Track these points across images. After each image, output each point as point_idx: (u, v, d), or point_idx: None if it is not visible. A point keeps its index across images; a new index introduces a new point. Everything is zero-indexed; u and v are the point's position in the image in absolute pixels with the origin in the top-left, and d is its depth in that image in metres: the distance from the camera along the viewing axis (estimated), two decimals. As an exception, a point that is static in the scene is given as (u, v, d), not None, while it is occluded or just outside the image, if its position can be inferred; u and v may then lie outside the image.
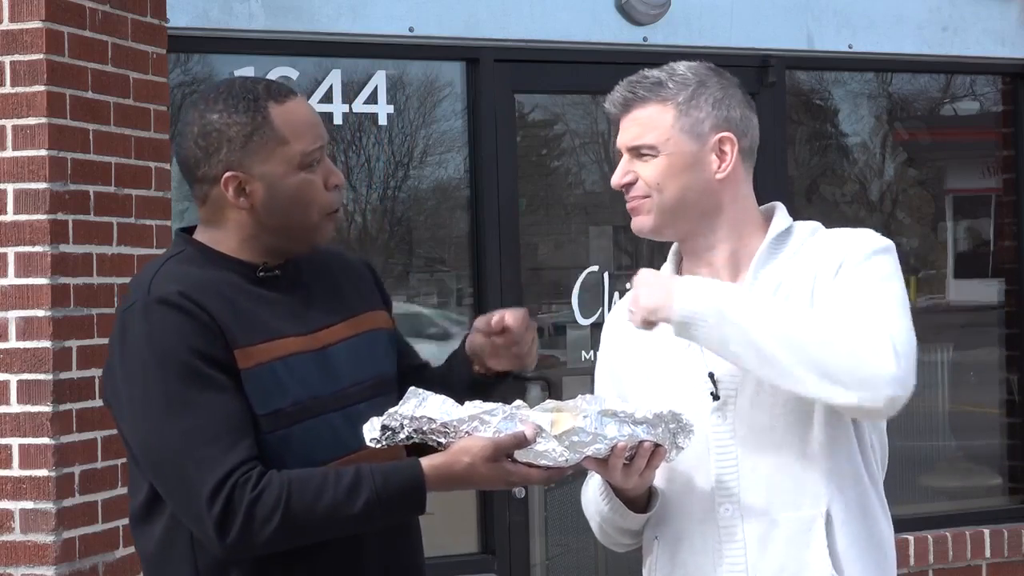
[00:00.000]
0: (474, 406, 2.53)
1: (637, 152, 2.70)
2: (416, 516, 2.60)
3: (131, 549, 4.70)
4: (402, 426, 2.50)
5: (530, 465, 2.53)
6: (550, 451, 2.51)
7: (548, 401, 2.59)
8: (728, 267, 2.71)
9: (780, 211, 2.78)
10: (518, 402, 2.57)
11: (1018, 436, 6.79)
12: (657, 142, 2.67)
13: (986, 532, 6.43)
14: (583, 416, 2.52)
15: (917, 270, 6.89)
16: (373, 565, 2.65)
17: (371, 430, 2.51)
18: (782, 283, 2.66)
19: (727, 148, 2.69)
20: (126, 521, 4.68)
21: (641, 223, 2.73)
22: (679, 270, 2.79)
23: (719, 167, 2.69)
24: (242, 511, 2.42)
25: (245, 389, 2.50)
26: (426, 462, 2.51)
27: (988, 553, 6.42)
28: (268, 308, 2.59)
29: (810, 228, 2.76)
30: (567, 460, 2.52)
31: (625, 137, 2.72)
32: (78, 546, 4.49)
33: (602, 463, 2.54)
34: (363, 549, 2.62)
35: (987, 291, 6.96)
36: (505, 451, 2.50)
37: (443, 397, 2.54)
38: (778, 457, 2.61)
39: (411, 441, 2.52)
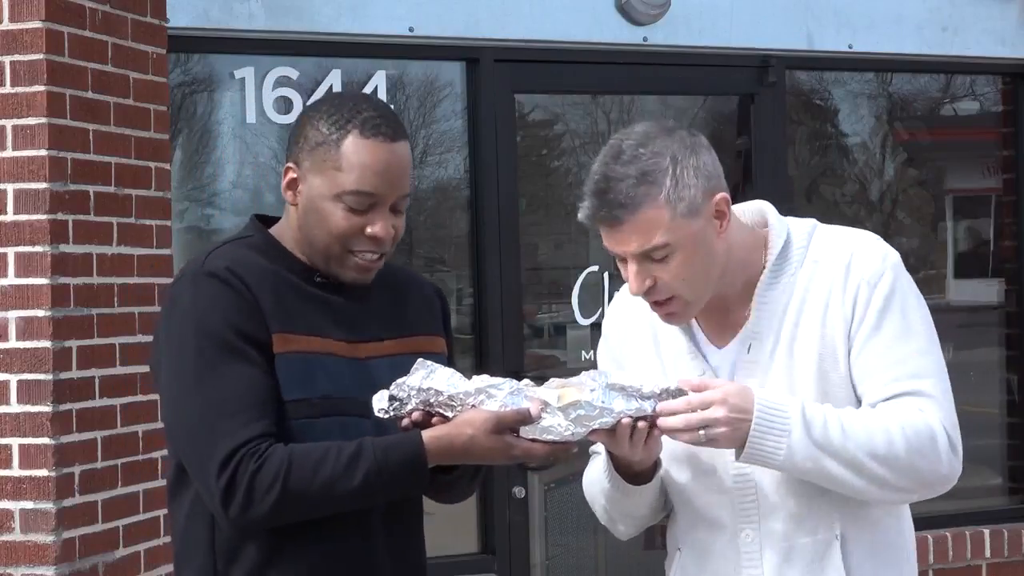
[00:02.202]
0: (481, 380, 2.55)
1: (648, 257, 2.56)
2: (419, 491, 2.62)
3: (131, 549, 4.71)
4: (409, 396, 2.53)
5: (534, 440, 2.53)
6: (555, 426, 2.51)
7: (553, 380, 2.58)
8: (741, 298, 2.68)
9: (773, 220, 2.72)
10: (526, 380, 2.58)
11: (1018, 436, 6.79)
12: (669, 240, 2.53)
13: (986, 532, 6.43)
14: (589, 390, 2.51)
15: (917, 270, 6.88)
16: (381, 555, 2.66)
17: (379, 400, 2.54)
18: (788, 304, 2.65)
19: (723, 207, 2.59)
20: (126, 521, 4.70)
21: (677, 319, 2.65)
22: None
23: (721, 227, 2.60)
24: (244, 482, 2.47)
25: (277, 372, 2.55)
26: (427, 434, 2.53)
27: (988, 553, 6.42)
28: (318, 308, 2.64)
29: (806, 231, 2.71)
30: (573, 434, 2.51)
31: (629, 248, 2.55)
32: (78, 546, 4.49)
33: (609, 434, 2.52)
34: (372, 539, 2.64)
35: (987, 291, 6.96)
36: (508, 425, 2.51)
37: (451, 370, 2.56)
38: (795, 484, 2.62)
39: (418, 412, 2.53)
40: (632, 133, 2.59)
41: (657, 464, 2.69)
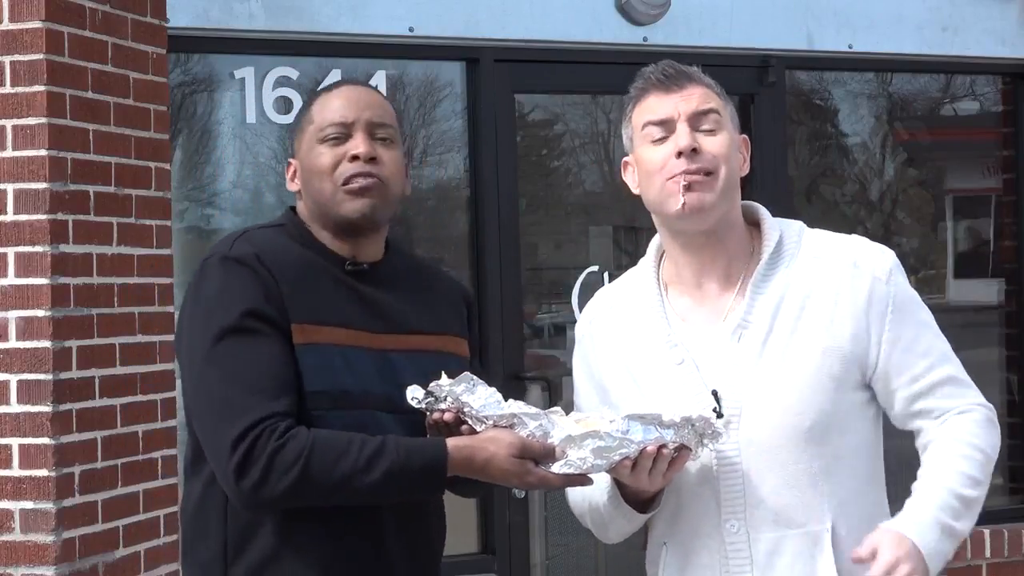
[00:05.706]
0: (517, 406, 2.57)
1: (703, 119, 2.66)
2: (433, 496, 2.64)
3: (131, 549, 4.71)
4: (445, 398, 2.56)
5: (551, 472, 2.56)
6: (574, 459, 2.53)
7: (575, 412, 2.62)
8: (720, 280, 2.69)
9: (765, 217, 2.75)
10: (555, 408, 2.60)
11: (1018, 436, 6.79)
12: (721, 113, 2.69)
13: (986, 532, 6.42)
14: (608, 421, 2.53)
15: (917, 270, 6.89)
16: (393, 549, 2.67)
17: (414, 390, 2.57)
18: (783, 298, 2.65)
19: (743, 150, 2.75)
20: (126, 521, 4.70)
21: (702, 199, 2.61)
22: (658, 275, 2.76)
23: (742, 164, 2.73)
24: (263, 458, 2.48)
25: (298, 363, 2.57)
26: (451, 443, 2.55)
27: (988, 553, 6.42)
28: (347, 297, 2.67)
29: (796, 231, 2.74)
30: (592, 467, 2.53)
31: (689, 105, 2.66)
32: (78, 546, 4.49)
33: (630, 466, 2.53)
34: (383, 533, 2.65)
35: (987, 291, 6.96)
36: (531, 455, 2.54)
37: (492, 390, 2.58)
38: (784, 475, 2.61)
39: (451, 413, 2.56)
40: None
41: (663, 489, 2.67)
